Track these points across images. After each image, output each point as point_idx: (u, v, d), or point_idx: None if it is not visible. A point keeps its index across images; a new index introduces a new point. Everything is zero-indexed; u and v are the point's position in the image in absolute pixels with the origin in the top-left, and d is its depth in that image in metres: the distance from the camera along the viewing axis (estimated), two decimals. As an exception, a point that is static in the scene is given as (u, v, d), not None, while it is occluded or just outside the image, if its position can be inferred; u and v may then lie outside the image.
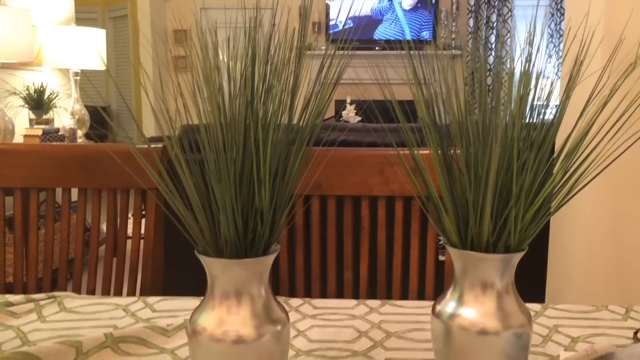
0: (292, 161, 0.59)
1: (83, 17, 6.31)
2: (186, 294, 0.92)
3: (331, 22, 6.15)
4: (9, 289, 1.11)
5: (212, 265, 0.58)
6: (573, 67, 0.58)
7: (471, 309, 0.59)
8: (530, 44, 0.57)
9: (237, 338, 0.57)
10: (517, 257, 0.59)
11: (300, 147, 0.59)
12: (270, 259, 0.59)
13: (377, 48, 6.07)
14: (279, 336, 0.59)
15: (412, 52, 0.62)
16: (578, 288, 1.56)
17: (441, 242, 2.13)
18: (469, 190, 0.58)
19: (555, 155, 0.58)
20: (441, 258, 2.04)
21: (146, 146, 1.09)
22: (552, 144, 0.58)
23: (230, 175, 0.56)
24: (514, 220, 0.56)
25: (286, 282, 1.07)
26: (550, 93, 0.59)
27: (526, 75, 0.58)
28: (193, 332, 0.58)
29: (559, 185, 0.57)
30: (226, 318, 0.57)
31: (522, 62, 0.57)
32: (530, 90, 0.57)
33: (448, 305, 0.61)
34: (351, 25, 6.18)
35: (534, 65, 0.58)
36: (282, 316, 0.60)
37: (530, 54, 0.57)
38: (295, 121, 0.60)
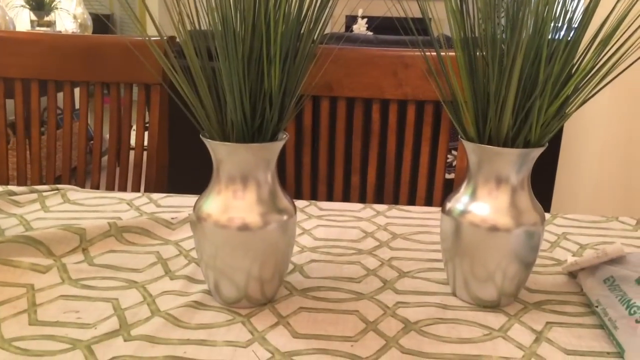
0: (304, 42, 0.55)
1: None
2: (192, 193, 0.91)
3: None
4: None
5: (218, 150, 0.56)
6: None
7: (484, 204, 0.58)
8: None
9: (242, 225, 0.55)
10: (536, 152, 0.56)
11: (312, 27, 0.55)
12: (278, 145, 0.57)
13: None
14: (285, 226, 0.58)
15: None
16: (585, 202, 1.55)
17: (449, 161, 2.11)
18: (492, 81, 0.55)
19: (586, 44, 0.54)
20: (448, 177, 2.02)
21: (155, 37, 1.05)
22: (584, 32, 0.53)
23: (238, 53, 0.52)
24: (537, 113, 0.53)
25: (292, 184, 1.06)
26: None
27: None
28: (198, 219, 0.57)
29: (588, 77, 0.53)
30: (232, 203, 0.56)
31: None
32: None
33: (459, 201, 0.60)
34: None
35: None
36: (289, 206, 0.59)
37: None
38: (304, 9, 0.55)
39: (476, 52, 0.56)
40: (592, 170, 1.56)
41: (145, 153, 1.06)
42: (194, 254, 0.71)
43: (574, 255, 0.74)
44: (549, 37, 0.53)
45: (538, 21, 0.53)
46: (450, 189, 1.26)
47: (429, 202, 1.06)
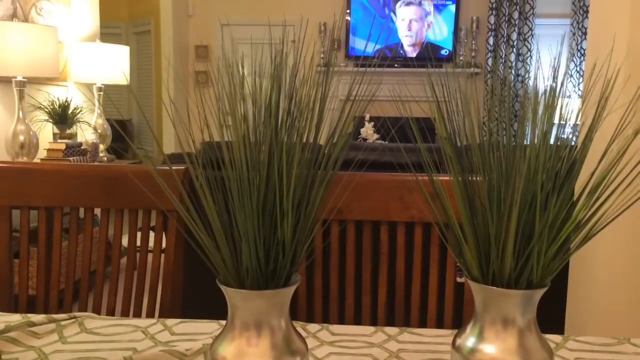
0: (315, 193, 0.60)
1: (108, 32, 6.43)
2: (205, 313, 0.93)
3: (350, 39, 6.18)
4: (31, 302, 1.12)
5: (234, 296, 0.58)
6: (597, 107, 0.58)
7: (492, 346, 0.59)
8: (554, 77, 0.57)
9: (256, 369, 0.57)
10: (539, 293, 0.58)
11: (322, 182, 0.59)
12: (291, 290, 0.59)
13: (396, 65, 6.08)
14: (298, 367, 0.59)
15: (431, 69, 0.62)
16: (599, 318, 1.54)
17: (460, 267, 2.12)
18: (491, 225, 0.58)
19: (577, 194, 0.57)
20: (459, 280, 2.02)
21: (167, 168, 1.11)
22: (575, 179, 0.57)
23: (253, 204, 0.56)
24: (536, 257, 0.56)
25: (304, 306, 1.07)
26: (572, 130, 0.58)
27: (550, 107, 0.58)
28: (213, 361, 0.59)
29: (582, 224, 0.56)
30: (246, 350, 0.58)
31: (545, 92, 0.57)
32: (553, 124, 0.57)
33: (468, 339, 0.61)
34: (374, 44, 6.20)
35: (558, 96, 0.58)
36: (302, 347, 0.60)
37: (554, 87, 0.57)
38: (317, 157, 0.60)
39: (475, 197, 0.60)
40: (603, 283, 1.56)
41: (161, 276, 1.09)
42: (208, 389, 0.72)
43: (588, 385, 0.74)
44: (542, 183, 0.57)
45: (530, 170, 0.57)
46: (462, 296, 1.26)
47: (439, 321, 1.06)
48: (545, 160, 0.57)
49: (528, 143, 0.58)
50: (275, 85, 0.59)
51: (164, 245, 1.12)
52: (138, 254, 1.13)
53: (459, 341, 0.62)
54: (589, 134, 0.55)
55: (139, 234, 1.14)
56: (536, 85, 0.56)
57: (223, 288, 0.59)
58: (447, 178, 0.67)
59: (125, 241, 3.13)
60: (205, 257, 0.62)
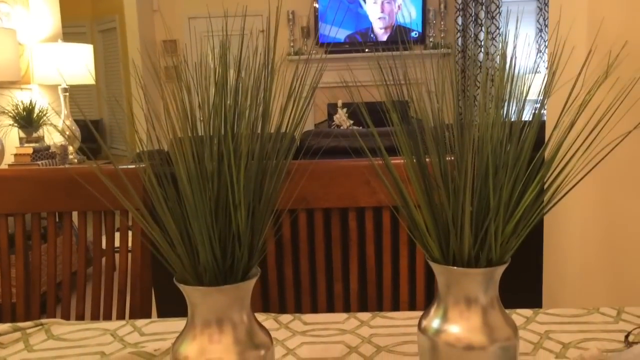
0: (267, 184, 0.58)
1: (71, 31, 6.29)
2: (183, 308, 0.91)
3: (320, 26, 6.15)
4: (14, 308, 1.10)
5: (192, 294, 0.57)
6: (550, 76, 0.58)
7: (456, 325, 0.59)
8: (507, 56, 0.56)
9: (220, 366, 0.56)
10: (499, 270, 0.58)
11: (274, 172, 0.58)
12: (250, 283, 0.58)
13: (366, 50, 6.07)
14: (263, 360, 0.58)
15: (400, 52, 0.61)
16: (574, 288, 1.56)
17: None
18: (447, 206, 0.57)
19: (529, 168, 0.57)
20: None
21: (132, 166, 1.08)
22: (528, 154, 0.57)
23: (205, 205, 0.55)
24: (493, 234, 0.56)
25: (276, 298, 1.06)
26: (526, 94, 0.58)
27: (506, 78, 0.57)
28: (176, 361, 0.58)
29: (537, 198, 0.56)
30: (208, 347, 0.57)
31: (506, 65, 0.57)
32: (507, 93, 0.57)
33: (433, 321, 0.61)
34: (340, 27, 6.17)
35: (514, 67, 0.57)
36: (266, 340, 0.60)
37: (511, 60, 0.56)
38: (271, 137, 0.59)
39: (430, 179, 0.59)
40: (576, 254, 1.58)
41: (129, 279, 1.07)
42: (177, 389, 0.71)
43: (556, 357, 0.75)
44: (495, 162, 0.56)
45: (483, 145, 0.56)
46: (433, 278, 1.27)
47: (412, 304, 1.06)
48: (496, 134, 0.57)
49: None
50: (221, 75, 0.57)
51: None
52: (104, 258, 1.11)
53: (424, 323, 0.62)
54: (541, 104, 0.55)
55: (104, 238, 1.12)
56: (499, 61, 0.56)
57: (181, 287, 0.57)
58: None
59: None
60: (161, 257, 0.60)
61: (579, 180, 0.59)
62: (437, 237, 0.60)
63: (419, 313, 0.92)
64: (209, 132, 0.55)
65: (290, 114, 0.56)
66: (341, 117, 3.84)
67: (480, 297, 0.59)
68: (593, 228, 1.53)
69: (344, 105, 4.12)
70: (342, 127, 3.85)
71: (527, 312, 0.89)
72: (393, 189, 0.63)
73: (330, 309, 1.01)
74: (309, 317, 0.92)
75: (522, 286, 1.72)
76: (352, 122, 3.90)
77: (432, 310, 0.62)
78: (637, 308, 0.88)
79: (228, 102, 0.56)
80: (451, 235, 0.58)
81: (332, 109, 5.85)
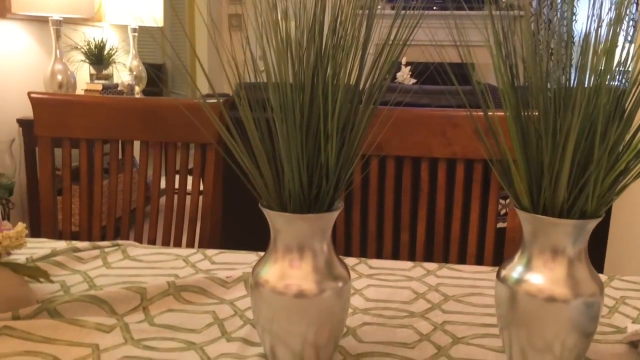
0: (360, 117, 0.58)
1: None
2: (243, 245, 0.94)
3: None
4: (75, 238, 1.15)
5: (276, 219, 0.58)
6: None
7: (539, 275, 0.57)
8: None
9: (298, 292, 0.57)
10: (592, 223, 0.56)
11: (368, 103, 0.57)
12: (333, 215, 0.59)
13: (434, 8, 5.87)
14: (340, 293, 0.59)
15: (489, 11, 0.58)
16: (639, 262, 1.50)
17: (503, 212, 2.08)
18: (545, 153, 0.55)
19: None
20: (500, 225, 1.99)
21: (213, 100, 1.10)
22: (638, 106, 0.54)
23: (297, 126, 0.55)
24: (592, 185, 0.53)
25: (342, 242, 1.07)
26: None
27: (613, 37, 0.54)
28: (255, 284, 0.59)
29: (645, 150, 0.53)
30: (288, 272, 0.58)
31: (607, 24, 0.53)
32: (617, 45, 0.53)
33: (515, 270, 0.59)
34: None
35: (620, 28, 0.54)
36: (344, 273, 0.60)
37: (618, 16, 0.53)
38: (362, 80, 0.58)
39: (529, 126, 0.57)
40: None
41: (200, 208, 1.10)
42: (248, 314, 0.73)
43: (633, 322, 0.72)
44: (605, 110, 0.53)
45: (591, 98, 0.53)
46: (501, 239, 1.24)
47: (479, 259, 1.05)
48: (607, 84, 0.54)
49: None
50: (319, 4, 0.56)
51: (201, 187, 1.13)
52: (177, 191, 1.14)
53: (504, 272, 0.61)
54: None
55: (177, 177, 1.15)
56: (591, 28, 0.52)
57: (265, 211, 0.58)
58: (499, 113, 0.64)
59: (163, 183, 3.18)
60: (248, 184, 0.61)
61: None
62: (528, 184, 0.58)
63: (488, 268, 0.90)
64: (306, 56, 0.55)
65: (389, 48, 0.55)
66: (404, 75, 3.77)
67: (567, 249, 0.57)
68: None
69: (408, 63, 4.03)
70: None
71: (602, 277, 0.86)
72: (481, 139, 0.61)
73: (396, 257, 1.01)
74: (374, 262, 0.92)
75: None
76: (415, 80, 3.82)
77: (515, 258, 0.60)
78: None
79: (327, 26, 0.54)
80: (545, 183, 0.56)
81: (395, 67, 5.73)
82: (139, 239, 1.12)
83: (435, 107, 1.02)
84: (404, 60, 3.98)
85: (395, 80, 3.93)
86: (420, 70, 5.18)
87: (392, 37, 0.54)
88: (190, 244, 1.13)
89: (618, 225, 1.64)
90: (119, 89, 3.04)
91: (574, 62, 0.55)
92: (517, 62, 0.58)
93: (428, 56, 5.76)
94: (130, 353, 0.63)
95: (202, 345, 0.65)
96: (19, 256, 0.86)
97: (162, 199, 2.67)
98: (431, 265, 0.91)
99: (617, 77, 0.54)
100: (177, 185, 1.15)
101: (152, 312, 0.73)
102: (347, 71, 0.55)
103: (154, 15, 3.26)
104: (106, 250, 0.94)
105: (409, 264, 0.92)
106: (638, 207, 1.56)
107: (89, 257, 0.90)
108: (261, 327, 0.60)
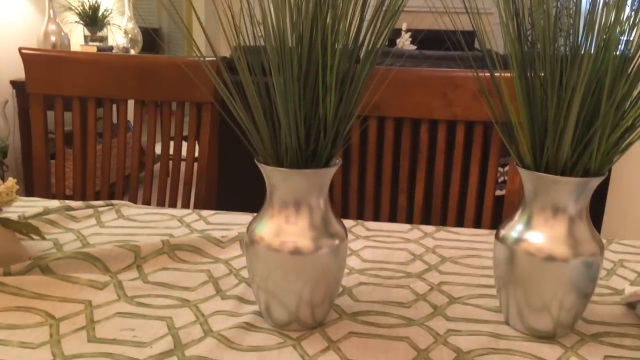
0: (359, 71, 0.56)
1: None
2: (239, 210, 0.93)
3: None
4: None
5: (272, 175, 0.57)
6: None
7: (539, 234, 0.56)
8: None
9: (294, 249, 0.56)
10: (595, 181, 0.55)
11: (367, 57, 0.55)
12: (331, 171, 0.57)
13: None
14: (336, 250, 0.58)
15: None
16: (637, 227, 1.50)
17: (501, 179, 2.07)
18: (550, 109, 0.54)
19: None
20: (498, 193, 1.99)
21: (212, 58, 1.07)
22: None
23: (294, 77, 0.53)
24: (597, 142, 0.52)
25: (339, 203, 1.06)
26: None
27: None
28: (251, 242, 0.58)
29: (652, 106, 0.52)
30: (284, 227, 0.56)
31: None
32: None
33: (514, 229, 0.59)
34: (410, -52, 5.85)
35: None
36: (341, 231, 0.59)
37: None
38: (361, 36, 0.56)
39: (534, 79, 0.55)
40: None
41: (195, 170, 1.09)
42: (243, 273, 0.72)
43: (631, 284, 0.72)
44: (613, 66, 0.52)
45: (599, 52, 0.52)
46: (499, 206, 1.24)
47: (477, 224, 1.04)
48: (615, 41, 0.52)
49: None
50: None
51: (197, 151, 1.11)
52: (172, 157, 1.12)
53: (503, 232, 0.60)
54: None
55: (172, 143, 1.13)
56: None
57: (262, 167, 0.57)
58: (505, 74, 0.62)
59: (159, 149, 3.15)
60: (244, 139, 0.59)
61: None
62: (531, 142, 0.56)
63: (486, 231, 0.90)
64: (305, 6, 0.53)
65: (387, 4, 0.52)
66: (405, 41, 3.71)
67: (569, 207, 0.56)
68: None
69: (408, 30, 3.97)
70: (403, 53, 3.71)
71: (600, 240, 0.86)
72: (484, 95, 0.59)
73: (393, 219, 1.00)
74: (371, 224, 0.91)
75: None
76: (415, 47, 3.77)
77: (515, 217, 0.59)
78: None
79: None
80: (548, 141, 0.55)
81: (394, 34, 5.65)
82: (133, 202, 1.11)
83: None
84: (404, 27, 3.92)
85: (395, 46, 3.88)
86: (421, 39, 5.11)
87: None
88: (185, 207, 1.12)
89: (616, 190, 1.63)
90: (114, 51, 2.99)
91: (582, 17, 0.53)
92: (525, 18, 0.56)
93: (429, 24, 5.68)
94: (124, 309, 0.62)
95: (197, 303, 0.64)
96: (11, 214, 0.85)
97: (158, 165, 2.65)
98: (429, 228, 0.90)
99: (627, 32, 0.53)
100: (172, 150, 1.13)
101: (146, 270, 0.72)
102: (348, 21, 0.53)
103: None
104: (100, 209, 0.92)
105: (407, 226, 0.91)
106: (636, 172, 1.55)
107: (82, 216, 0.89)
108: (256, 285, 0.59)
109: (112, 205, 0.94)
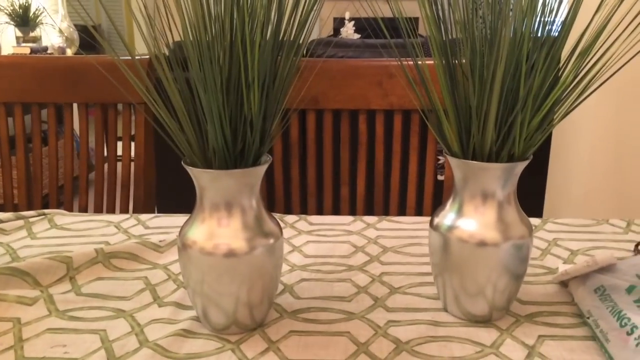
0: (282, 66, 0.55)
1: None
2: (180, 212, 0.90)
3: None
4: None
5: (201, 177, 0.55)
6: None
7: (471, 220, 0.57)
8: None
9: (228, 251, 0.55)
10: (520, 166, 0.56)
11: (290, 50, 0.54)
12: (261, 169, 0.56)
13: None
14: (271, 249, 0.57)
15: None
16: (578, 203, 1.55)
17: (441, 162, 2.11)
18: (472, 96, 0.54)
19: (566, 55, 0.53)
20: (440, 177, 2.02)
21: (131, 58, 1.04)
22: (563, 44, 0.53)
23: (217, 81, 0.52)
24: (519, 127, 0.53)
25: (282, 199, 1.05)
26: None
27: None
28: (183, 246, 0.56)
29: (570, 89, 0.53)
30: (217, 231, 0.55)
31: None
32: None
33: (447, 217, 0.59)
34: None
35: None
36: (275, 229, 0.58)
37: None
38: (283, 28, 0.55)
39: (456, 64, 0.56)
40: (583, 170, 1.56)
41: (132, 173, 1.06)
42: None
43: (565, 263, 0.74)
44: (528, 49, 0.52)
45: (517, 34, 0.52)
46: (441, 191, 1.26)
47: (419, 211, 1.05)
48: (530, 24, 0.53)
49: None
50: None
51: (132, 154, 1.08)
52: (107, 156, 1.08)
53: (436, 220, 0.60)
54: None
55: (106, 145, 1.09)
56: None
57: (189, 169, 0.55)
58: (430, 62, 0.62)
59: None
60: (170, 142, 0.58)
61: (614, 73, 0.55)
62: (457, 130, 0.57)
63: (426, 218, 0.90)
64: (222, 4, 0.51)
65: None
66: (348, 30, 3.72)
67: (497, 193, 0.57)
68: (601, 143, 1.50)
69: (352, 19, 3.98)
70: (348, 42, 3.71)
71: (535, 220, 0.88)
72: (415, 84, 0.59)
73: (336, 212, 1.00)
74: (314, 218, 0.91)
75: (523, 198, 1.72)
76: (359, 36, 3.78)
77: (447, 205, 0.60)
78: (647, 221, 0.87)
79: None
80: (473, 128, 0.55)
81: (338, 23, 5.66)
82: (69, 209, 1.07)
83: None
84: (347, 15, 3.93)
85: (339, 35, 3.88)
86: (366, 27, 5.12)
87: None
88: (124, 211, 1.09)
89: (556, 168, 1.68)
90: (49, 52, 2.88)
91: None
92: (444, 6, 0.56)
93: (371, 12, 5.70)
94: (55, 325, 0.60)
95: (132, 312, 0.62)
96: None
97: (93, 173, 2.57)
98: (371, 219, 0.90)
99: (542, 17, 0.53)
100: (106, 153, 1.10)
101: (79, 282, 0.69)
102: (266, 17, 0.52)
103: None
104: (31, 220, 0.89)
105: (349, 218, 0.91)
106: (573, 153, 1.61)
107: (11, 228, 0.85)
108: (192, 289, 0.58)
109: (44, 214, 0.91)
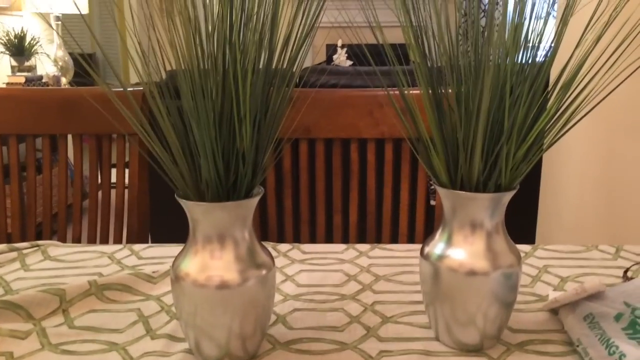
0: (274, 99, 0.56)
1: (63, -41, 6.04)
2: (174, 240, 0.91)
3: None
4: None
5: (194, 210, 0.56)
6: (571, -5, 0.55)
7: (460, 250, 0.58)
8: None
9: (221, 283, 0.55)
10: (507, 196, 0.57)
11: (281, 84, 0.55)
12: (253, 202, 0.57)
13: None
14: (264, 280, 0.58)
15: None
16: (569, 228, 1.57)
17: (433, 187, 2.13)
18: (459, 128, 0.56)
19: (549, 88, 0.55)
20: (432, 202, 2.03)
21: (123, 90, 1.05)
22: (546, 77, 0.55)
23: (209, 115, 0.53)
24: (505, 158, 0.54)
25: (275, 228, 1.06)
26: (544, 26, 0.55)
27: (521, 3, 0.54)
28: (176, 278, 0.57)
29: (553, 120, 0.54)
30: (209, 263, 0.56)
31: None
32: (524, 19, 0.54)
33: (437, 246, 0.60)
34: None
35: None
36: (267, 260, 0.59)
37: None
38: (275, 61, 0.56)
39: (443, 102, 0.57)
40: (573, 194, 1.58)
41: (126, 203, 1.06)
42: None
43: (555, 290, 0.75)
44: (512, 83, 0.54)
45: (500, 68, 0.54)
46: (434, 216, 1.26)
47: (411, 238, 1.06)
48: (514, 59, 0.54)
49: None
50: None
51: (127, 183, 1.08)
52: (101, 185, 1.09)
53: (427, 249, 0.61)
54: (562, 20, 0.52)
55: (101, 172, 1.10)
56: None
57: (182, 202, 0.56)
58: (418, 92, 0.64)
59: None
60: (163, 174, 0.58)
61: (598, 103, 0.57)
62: (445, 161, 0.58)
63: (418, 246, 0.91)
64: (215, 41, 0.53)
65: (299, 26, 0.53)
66: (340, 57, 3.77)
67: (485, 222, 0.58)
68: (591, 168, 1.52)
69: (344, 46, 4.03)
70: (341, 69, 3.76)
71: (526, 247, 0.89)
72: (404, 114, 0.61)
73: (329, 240, 1.00)
74: (307, 247, 0.91)
75: (516, 224, 1.73)
76: (352, 62, 3.83)
77: (437, 235, 0.61)
78: (636, 246, 0.88)
79: (235, 9, 0.52)
80: (460, 159, 0.57)
81: (330, 50, 5.72)
82: (62, 240, 1.07)
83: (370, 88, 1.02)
84: (339, 43, 3.98)
85: (332, 63, 3.93)
86: (358, 52, 5.18)
87: (298, 18, 0.53)
88: (117, 241, 1.09)
89: (548, 194, 1.70)
90: (43, 80, 2.90)
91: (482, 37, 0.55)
92: (429, 39, 0.58)
93: (366, 38, 5.77)
94: (47, 358, 0.60)
95: (125, 345, 0.62)
96: None
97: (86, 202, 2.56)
98: (363, 247, 0.91)
99: (527, 51, 0.55)
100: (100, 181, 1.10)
101: (72, 315, 0.69)
102: (258, 53, 0.54)
103: (77, 1, 3.12)
104: (24, 252, 0.89)
105: (342, 246, 0.91)
106: (564, 179, 1.63)
107: (5, 261, 0.85)
108: (184, 322, 0.58)
109: (38, 246, 0.91)
